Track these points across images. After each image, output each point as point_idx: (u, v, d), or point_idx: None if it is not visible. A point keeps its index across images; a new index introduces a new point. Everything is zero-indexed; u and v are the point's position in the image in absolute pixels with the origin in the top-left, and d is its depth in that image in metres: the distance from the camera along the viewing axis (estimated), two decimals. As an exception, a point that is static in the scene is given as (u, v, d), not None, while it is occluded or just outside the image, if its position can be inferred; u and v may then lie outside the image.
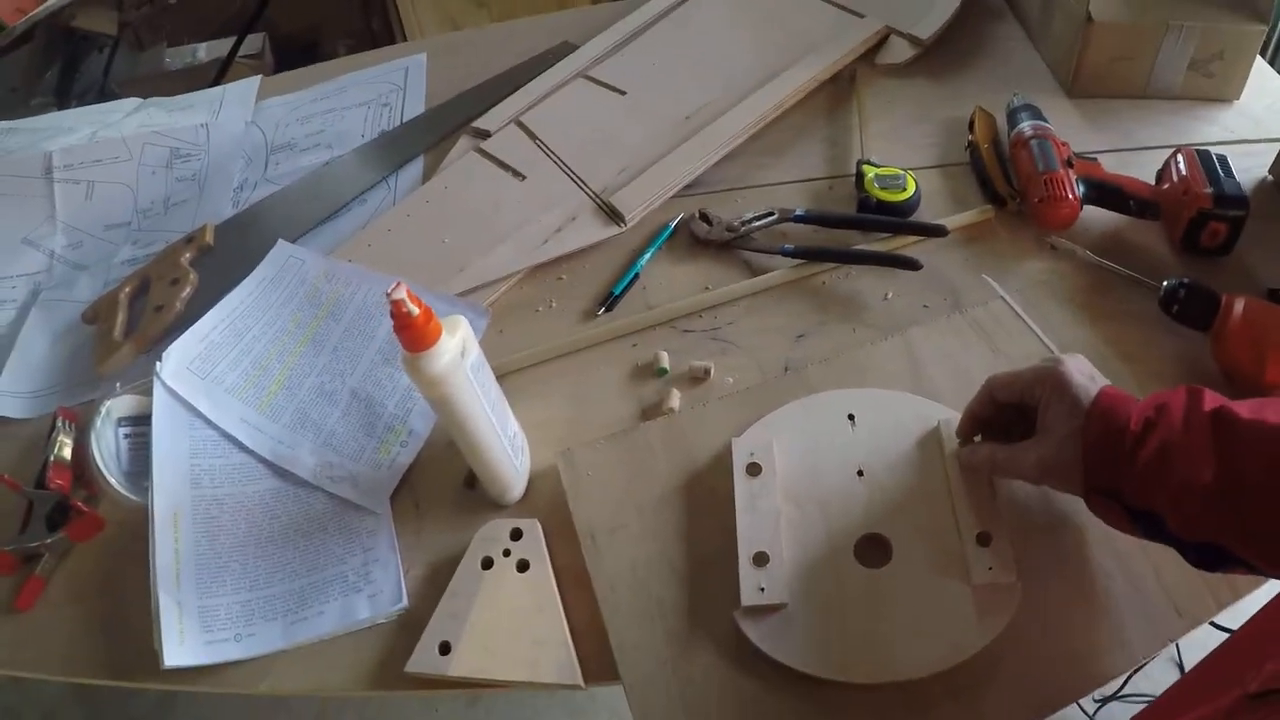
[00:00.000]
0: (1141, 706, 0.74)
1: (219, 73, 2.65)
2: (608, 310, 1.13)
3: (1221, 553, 0.68)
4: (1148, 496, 0.70)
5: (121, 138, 1.55)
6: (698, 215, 1.19)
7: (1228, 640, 0.69)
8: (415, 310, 0.76)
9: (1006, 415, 0.84)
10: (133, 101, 1.71)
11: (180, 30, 2.90)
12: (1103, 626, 0.80)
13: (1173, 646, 1.01)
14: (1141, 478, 0.70)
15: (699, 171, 1.24)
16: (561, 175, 1.28)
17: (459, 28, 2.71)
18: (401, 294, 0.75)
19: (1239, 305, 0.94)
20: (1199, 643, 0.80)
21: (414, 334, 0.77)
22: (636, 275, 1.16)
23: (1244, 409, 0.68)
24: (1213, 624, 0.83)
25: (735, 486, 0.89)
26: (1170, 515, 0.69)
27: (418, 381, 0.81)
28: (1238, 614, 0.81)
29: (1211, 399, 0.70)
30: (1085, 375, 0.78)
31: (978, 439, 0.87)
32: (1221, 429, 0.68)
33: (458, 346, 0.81)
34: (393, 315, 0.76)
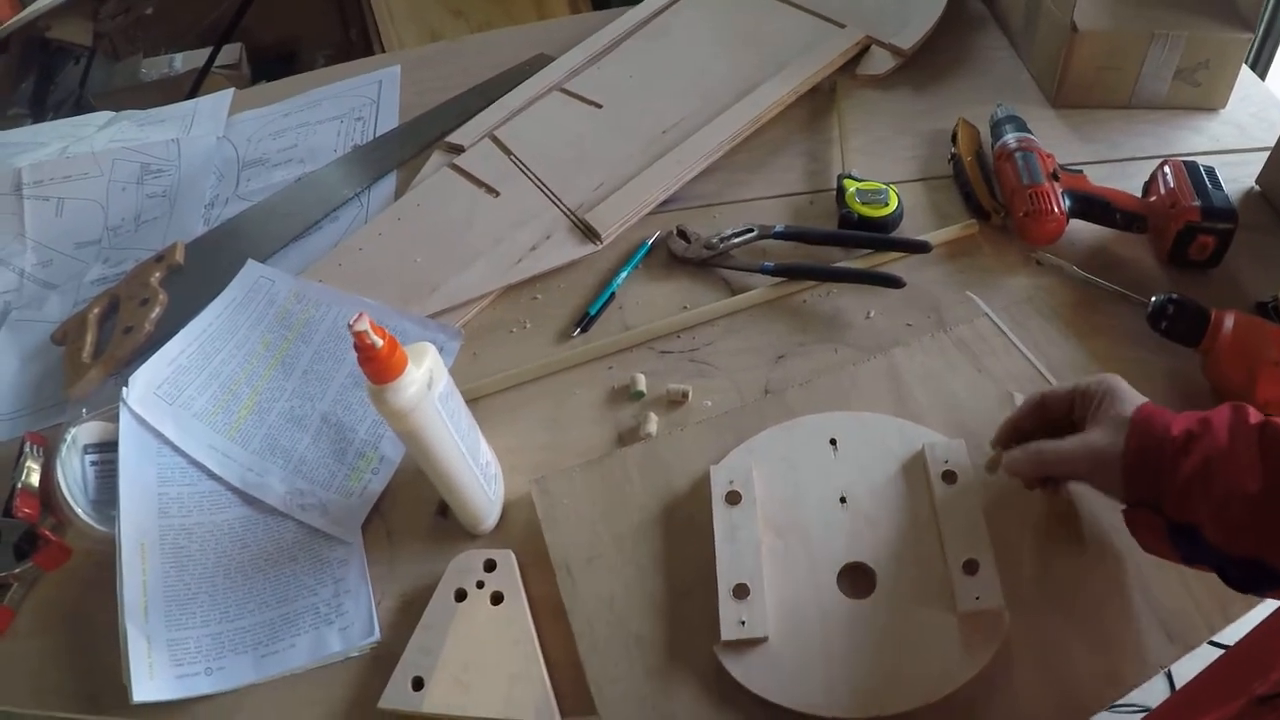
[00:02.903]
0: (1130, 717, 0.74)
1: (195, 83, 2.63)
2: (583, 331, 1.11)
3: (1264, 570, 0.68)
4: (1189, 508, 0.70)
5: (92, 153, 1.53)
6: (675, 232, 1.17)
7: (1230, 650, 0.69)
8: (379, 341, 0.74)
9: (1044, 433, 0.82)
10: (105, 115, 1.69)
11: (157, 41, 2.88)
12: (1093, 654, 0.79)
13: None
14: (1184, 488, 0.70)
15: (676, 187, 1.23)
16: (536, 191, 1.26)
17: (438, 38, 2.69)
18: (364, 325, 0.72)
19: (1229, 321, 0.92)
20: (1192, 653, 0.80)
21: (378, 365, 0.75)
22: (613, 295, 1.14)
23: None
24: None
25: (714, 516, 0.87)
26: (1212, 527, 0.69)
27: (384, 413, 0.78)
28: (1230, 635, 0.80)
29: (1255, 414, 0.71)
30: (1132, 388, 0.78)
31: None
32: (1269, 440, 0.68)
33: (425, 376, 0.79)
34: (356, 347, 0.74)
